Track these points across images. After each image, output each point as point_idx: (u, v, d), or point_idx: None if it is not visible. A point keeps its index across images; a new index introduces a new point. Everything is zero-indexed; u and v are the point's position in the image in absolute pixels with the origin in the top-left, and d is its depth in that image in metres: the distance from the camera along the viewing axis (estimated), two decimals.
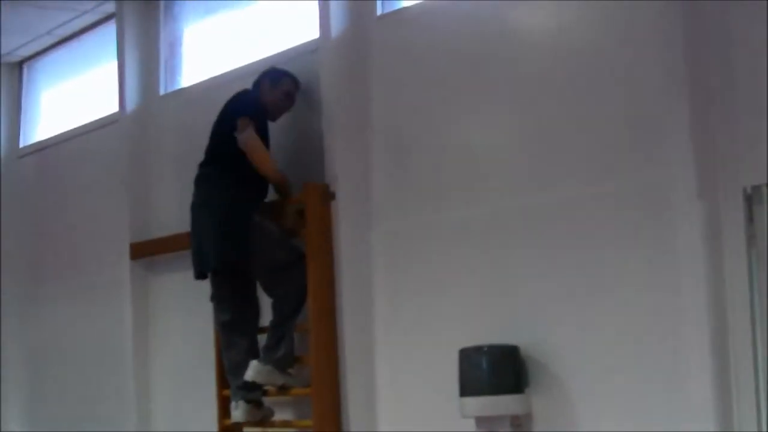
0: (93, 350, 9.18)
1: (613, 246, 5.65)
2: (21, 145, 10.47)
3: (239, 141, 6.85)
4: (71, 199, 9.67)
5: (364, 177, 6.89)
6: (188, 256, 7.15)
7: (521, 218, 6.08)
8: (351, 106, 6.95)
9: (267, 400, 7.08)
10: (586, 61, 5.86)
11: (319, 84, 7.11)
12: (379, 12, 6.98)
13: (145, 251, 8.48)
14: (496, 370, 5.84)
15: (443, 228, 6.48)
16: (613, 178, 5.68)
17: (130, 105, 8.76)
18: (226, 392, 7.20)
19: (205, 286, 7.17)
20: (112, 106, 9.06)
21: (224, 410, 7.27)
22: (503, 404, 5.83)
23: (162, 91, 8.73)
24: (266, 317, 7.07)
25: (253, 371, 6.82)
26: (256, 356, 6.94)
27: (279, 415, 7.17)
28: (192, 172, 7.18)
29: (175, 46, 8.78)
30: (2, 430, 9.87)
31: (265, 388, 7.00)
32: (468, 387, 5.88)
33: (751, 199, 5.14)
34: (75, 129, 9.71)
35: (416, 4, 6.81)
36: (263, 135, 6.98)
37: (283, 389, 6.98)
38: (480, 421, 5.93)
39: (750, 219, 5.14)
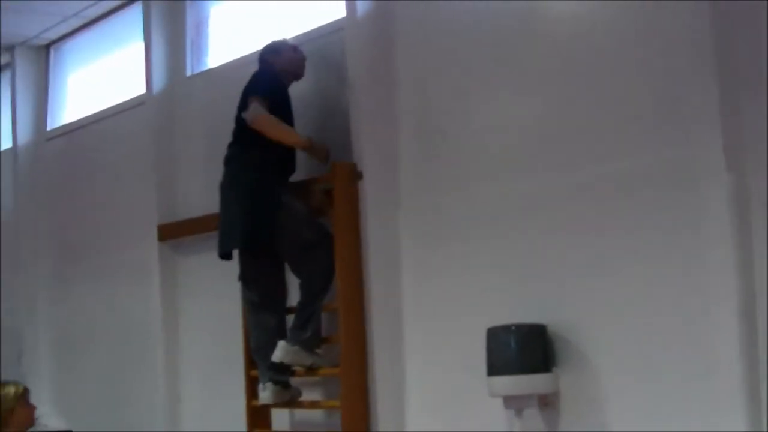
0: (121, 331, 9.21)
1: (640, 223, 5.62)
2: (48, 128, 10.49)
3: (247, 120, 6.83)
4: (99, 181, 9.70)
5: (391, 156, 6.87)
6: (216, 237, 7.15)
7: (549, 196, 6.05)
8: (378, 85, 6.93)
9: (295, 381, 7.08)
10: (614, 38, 5.82)
11: (345, 63, 7.09)
12: None
13: (172, 233, 8.50)
14: (524, 349, 5.83)
15: (471, 207, 6.46)
16: (641, 155, 5.64)
17: (157, 86, 8.77)
18: (254, 373, 7.20)
19: (233, 268, 7.17)
20: (139, 88, 9.07)
21: (252, 391, 7.27)
22: (531, 383, 5.82)
23: (189, 73, 8.75)
24: (294, 297, 7.06)
25: (280, 352, 6.81)
26: (283, 337, 6.94)
27: (307, 396, 7.18)
28: (219, 153, 7.18)
29: (201, 27, 8.78)
30: None
31: (293, 368, 6.99)
32: (496, 366, 5.87)
33: None
34: (102, 111, 9.72)
35: None
36: (283, 107, 6.96)
37: (310, 369, 6.98)
38: (508, 400, 5.93)
39: None
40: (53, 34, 10.29)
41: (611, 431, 5.68)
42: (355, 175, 6.87)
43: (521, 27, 6.25)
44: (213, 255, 7.27)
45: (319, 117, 7.34)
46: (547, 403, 5.92)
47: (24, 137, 10.48)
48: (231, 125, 7.16)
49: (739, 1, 5.23)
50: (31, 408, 6.45)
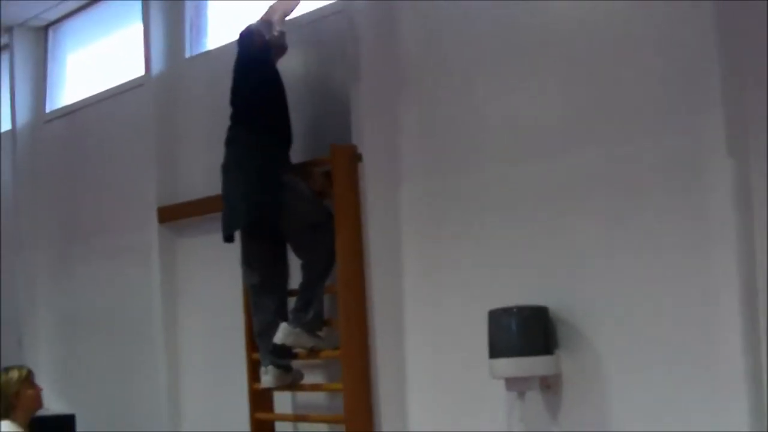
0: (122, 313, 9.22)
1: (642, 206, 5.60)
2: (47, 110, 10.47)
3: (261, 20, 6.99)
4: (99, 163, 9.68)
5: (391, 138, 6.85)
6: (216, 219, 7.13)
7: (551, 179, 6.03)
8: (377, 67, 6.90)
9: (296, 363, 7.08)
10: (617, 24, 5.79)
11: (345, 45, 7.06)
12: None
13: (173, 215, 8.49)
14: (525, 332, 5.82)
15: (471, 189, 6.44)
16: (644, 142, 5.61)
17: (156, 68, 8.75)
18: (256, 356, 7.20)
19: (234, 250, 7.16)
20: (138, 70, 9.05)
21: (254, 374, 7.28)
22: (533, 365, 5.81)
23: (188, 54, 8.73)
24: (295, 280, 7.05)
25: (282, 333, 6.81)
26: (285, 319, 6.93)
27: (308, 378, 7.19)
28: (218, 134, 7.15)
29: (200, 8, 8.76)
30: None
31: (295, 350, 6.99)
32: (497, 348, 5.86)
33: None
34: (101, 93, 9.70)
35: None
36: (276, 77, 6.98)
37: (312, 352, 6.98)
38: (510, 382, 5.92)
39: None
40: (52, 15, 10.27)
41: (612, 413, 5.68)
42: (355, 158, 6.84)
43: (527, 11, 6.20)
44: (213, 237, 7.26)
45: (319, 99, 7.32)
46: (549, 385, 5.91)
47: (23, 119, 10.46)
48: (229, 107, 7.13)
49: None
50: (37, 389, 6.47)
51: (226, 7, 8.54)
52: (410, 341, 6.75)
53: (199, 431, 8.32)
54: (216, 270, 8.07)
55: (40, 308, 10.23)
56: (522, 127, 6.21)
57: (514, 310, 5.86)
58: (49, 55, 10.57)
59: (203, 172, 8.07)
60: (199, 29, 8.73)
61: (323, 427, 7.35)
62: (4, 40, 10.64)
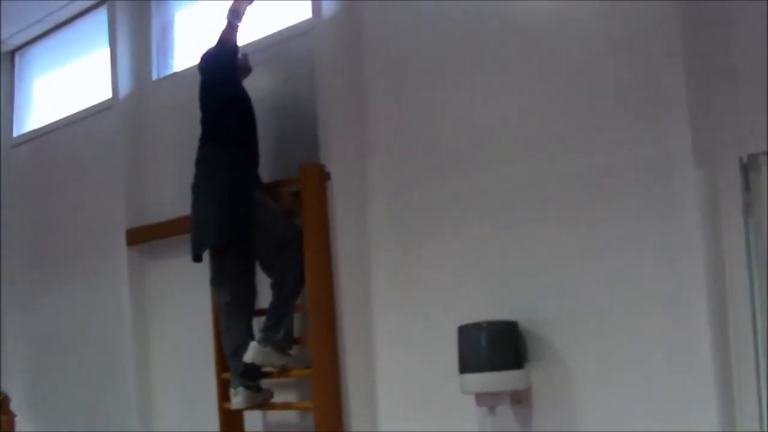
0: (92, 336, 9.16)
1: (611, 218, 5.63)
2: (15, 134, 10.44)
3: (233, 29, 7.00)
4: (67, 186, 9.65)
5: (359, 156, 6.87)
6: (186, 241, 7.12)
7: (518, 192, 6.06)
8: (345, 86, 6.93)
9: (267, 382, 7.08)
10: (582, 32, 5.84)
11: (313, 64, 7.08)
12: None
13: (141, 237, 8.46)
14: (495, 346, 5.82)
15: (440, 204, 6.47)
16: (610, 149, 5.65)
17: (124, 90, 8.74)
18: (226, 375, 7.19)
19: (203, 271, 7.15)
20: (105, 93, 9.04)
21: (224, 394, 7.26)
22: (503, 380, 5.81)
23: (155, 76, 8.72)
24: (264, 299, 7.05)
25: (252, 353, 6.80)
26: (252, 338, 6.92)
27: (279, 397, 7.18)
28: (187, 155, 7.15)
29: (166, 30, 8.76)
30: None
31: (266, 369, 6.98)
32: (467, 364, 5.86)
33: (747, 167, 5.14)
34: (69, 116, 9.68)
35: None
36: (244, 94, 7.01)
37: (283, 370, 6.97)
38: (480, 397, 5.92)
39: (746, 187, 5.13)
40: (18, 40, 10.25)
41: (583, 428, 5.69)
42: (323, 176, 6.86)
43: (490, 25, 6.25)
44: (183, 259, 7.25)
45: (287, 119, 7.33)
46: (520, 399, 5.93)
47: None
48: (198, 127, 7.13)
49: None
50: (11, 416, 6.42)
51: (193, 29, 8.55)
52: (381, 358, 6.75)
53: None
54: (185, 291, 8.05)
55: (11, 332, 10.16)
56: (488, 143, 6.24)
57: (484, 325, 5.86)
58: (16, 79, 10.55)
59: (172, 194, 8.07)
60: (166, 51, 8.74)
61: None
62: None
